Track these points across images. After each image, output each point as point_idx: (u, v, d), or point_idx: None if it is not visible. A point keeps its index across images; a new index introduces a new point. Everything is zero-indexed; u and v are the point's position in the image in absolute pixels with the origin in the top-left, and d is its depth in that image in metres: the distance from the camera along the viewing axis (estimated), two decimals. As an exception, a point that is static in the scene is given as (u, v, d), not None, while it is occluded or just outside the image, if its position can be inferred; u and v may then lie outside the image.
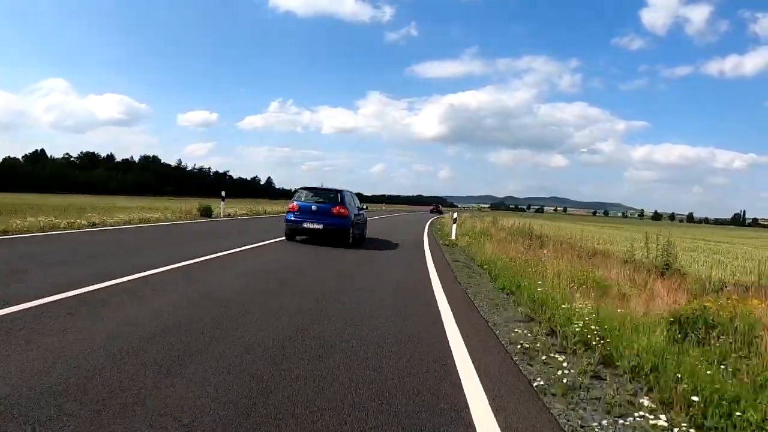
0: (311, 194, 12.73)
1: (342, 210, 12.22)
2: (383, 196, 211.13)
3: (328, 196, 12.62)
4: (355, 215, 13.11)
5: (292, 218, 12.26)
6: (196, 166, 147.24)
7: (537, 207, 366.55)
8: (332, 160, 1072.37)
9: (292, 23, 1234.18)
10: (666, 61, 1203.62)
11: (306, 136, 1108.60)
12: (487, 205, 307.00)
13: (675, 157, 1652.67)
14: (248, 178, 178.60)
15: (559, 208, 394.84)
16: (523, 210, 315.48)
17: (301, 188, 13.13)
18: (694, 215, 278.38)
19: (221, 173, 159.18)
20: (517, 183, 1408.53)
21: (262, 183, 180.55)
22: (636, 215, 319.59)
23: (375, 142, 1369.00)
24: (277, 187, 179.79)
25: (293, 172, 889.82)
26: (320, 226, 11.91)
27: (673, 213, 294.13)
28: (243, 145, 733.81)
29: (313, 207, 12.23)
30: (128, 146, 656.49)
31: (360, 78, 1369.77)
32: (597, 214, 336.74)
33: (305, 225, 12.05)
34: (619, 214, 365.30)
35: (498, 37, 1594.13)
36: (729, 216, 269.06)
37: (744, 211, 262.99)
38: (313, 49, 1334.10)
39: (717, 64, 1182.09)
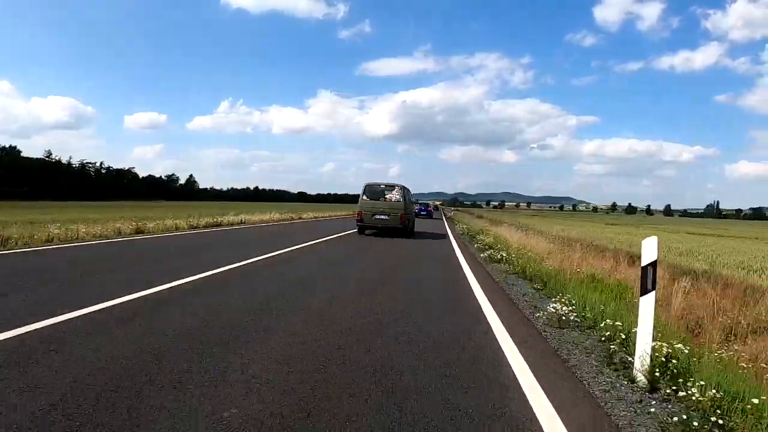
0: (421, 204, 41.36)
1: (430, 209, 44.22)
2: (328, 194, 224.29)
3: (426, 204, 45.20)
4: (434, 209, 50.10)
5: (416, 211, 29.72)
6: (72, 160, 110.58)
7: (496, 203, 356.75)
8: (283, 161, 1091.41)
9: (244, 21, 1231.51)
10: (618, 56, 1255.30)
11: (256, 136, 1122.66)
12: (439, 202, 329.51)
13: (624, 151, 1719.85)
14: (163, 177, 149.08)
15: (522, 204, 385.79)
16: (480, 206, 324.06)
17: (419, 202, 44.56)
18: (671, 207, 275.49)
19: (123, 170, 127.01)
20: (469, 179, 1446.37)
21: (180, 182, 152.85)
22: (607, 209, 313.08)
23: (325, 141, 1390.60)
24: (204, 187, 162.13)
25: (245, 173, 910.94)
26: (424, 213, 38.18)
27: (649, 206, 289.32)
28: (192, 147, 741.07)
29: (422, 207, 39.95)
30: (75, 150, 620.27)
31: (311, 76, 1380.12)
32: (565, 209, 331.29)
33: (420, 213, 35.61)
34: (579, 208, 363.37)
35: (452, 34, 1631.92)
36: (702, 207, 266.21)
37: (717, 201, 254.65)
38: (264, 48, 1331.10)
39: (668, 59, 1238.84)
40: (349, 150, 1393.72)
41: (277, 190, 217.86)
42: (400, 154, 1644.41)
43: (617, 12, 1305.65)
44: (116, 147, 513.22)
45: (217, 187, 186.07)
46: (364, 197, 15.51)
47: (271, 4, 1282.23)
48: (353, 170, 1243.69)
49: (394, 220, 15.05)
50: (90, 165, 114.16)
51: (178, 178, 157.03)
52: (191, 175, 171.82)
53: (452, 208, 75.48)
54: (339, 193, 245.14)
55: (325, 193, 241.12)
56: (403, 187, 15.72)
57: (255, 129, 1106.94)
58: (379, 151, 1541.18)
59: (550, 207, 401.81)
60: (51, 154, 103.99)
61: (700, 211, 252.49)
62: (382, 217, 15.13)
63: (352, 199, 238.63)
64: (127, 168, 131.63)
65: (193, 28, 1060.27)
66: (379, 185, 15.76)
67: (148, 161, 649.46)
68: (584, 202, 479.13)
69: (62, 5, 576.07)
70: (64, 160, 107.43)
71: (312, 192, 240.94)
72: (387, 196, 15.38)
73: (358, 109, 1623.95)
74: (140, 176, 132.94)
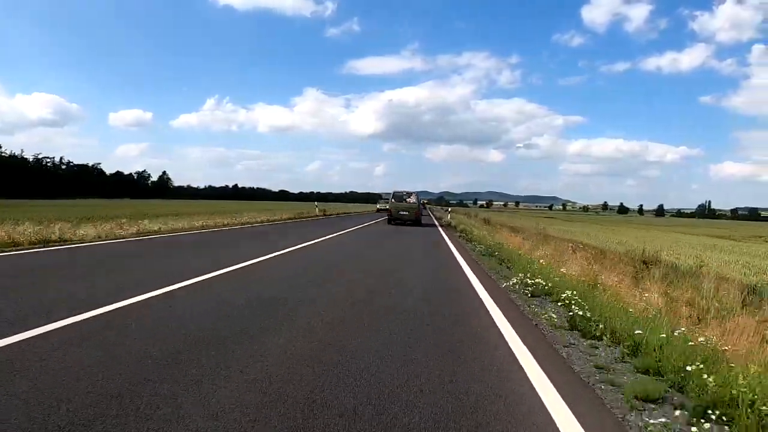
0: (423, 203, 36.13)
1: (422, 208, 29.62)
2: (311, 193, 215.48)
3: (421, 206, 30.19)
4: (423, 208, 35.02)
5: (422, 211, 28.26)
6: (23, 153, 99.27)
7: (483, 202, 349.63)
8: (268, 159, 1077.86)
9: (231, 18, 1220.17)
10: (605, 57, 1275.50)
11: (241, 134, 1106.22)
12: (425, 200, 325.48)
13: (610, 151, 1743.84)
14: (133, 174, 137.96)
15: (510, 204, 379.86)
16: (467, 205, 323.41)
17: (424, 200, 46.82)
18: (664, 207, 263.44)
19: (87, 167, 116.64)
20: (454, 178, 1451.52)
21: (153, 179, 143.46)
22: (595, 209, 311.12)
23: (311, 139, 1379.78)
24: (180, 184, 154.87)
25: (230, 171, 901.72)
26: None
27: (641, 206, 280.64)
28: (177, 145, 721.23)
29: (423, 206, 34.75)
30: (59, 148, 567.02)
31: (298, 74, 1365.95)
32: (554, 208, 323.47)
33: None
34: (567, 207, 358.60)
35: (440, 33, 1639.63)
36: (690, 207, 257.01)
37: (709, 201, 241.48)
38: (251, 45, 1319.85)
39: (655, 60, 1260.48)
40: (335, 149, 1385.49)
41: (257, 188, 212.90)
42: (386, 152, 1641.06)
43: (605, 13, 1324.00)
44: (100, 145, 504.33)
45: (194, 185, 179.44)
46: (393, 200, 22.86)
47: (258, 2, 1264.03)
48: (338, 169, 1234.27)
49: (411, 215, 21.98)
50: (48, 160, 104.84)
51: (149, 175, 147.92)
52: (164, 172, 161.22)
53: (449, 209, 54.29)
54: (322, 192, 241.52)
55: (308, 191, 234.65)
56: (417, 193, 23.50)
57: (240, 127, 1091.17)
58: (364, 150, 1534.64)
59: (537, 206, 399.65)
60: (0, 147, 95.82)
61: (690, 211, 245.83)
62: (404, 213, 21.97)
63: (335, 198, 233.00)
64: (92, 164, 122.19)
65: (179, 26, 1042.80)
66: (402, 193, 22.89)
67: (131, 159, 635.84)
68: (570, 201, 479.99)
69: (47, 1, 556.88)
70: (17, 155, 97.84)
71: (294, 190, 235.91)
72: (407, 200, 22.60)
73: (345, 107, 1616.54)
74: (107, 173, 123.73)
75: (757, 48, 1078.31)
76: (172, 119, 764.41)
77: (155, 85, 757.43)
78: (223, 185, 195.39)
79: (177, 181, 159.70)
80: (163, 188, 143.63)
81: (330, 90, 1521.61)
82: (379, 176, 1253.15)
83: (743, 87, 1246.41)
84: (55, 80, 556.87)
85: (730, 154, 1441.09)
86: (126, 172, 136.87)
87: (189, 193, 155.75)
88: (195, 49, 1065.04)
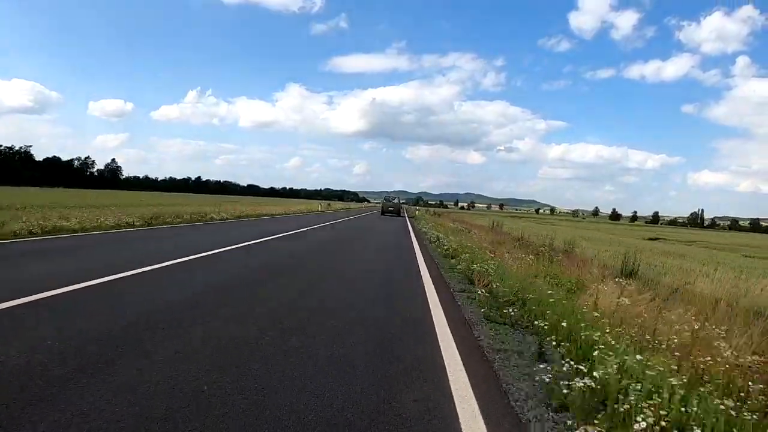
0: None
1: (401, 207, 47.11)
2: (283, 188, 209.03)
3: (401, 205, 47.76)
4: (403, 206, 51.37)
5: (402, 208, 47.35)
6: None
7: (464, 204, 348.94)
8: (248, 154, 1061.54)
9: (217, 10, 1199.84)
10: (590, 63, 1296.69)
11: (222, 128, 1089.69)
12: (403, 201, 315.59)
13: (591, 156, 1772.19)
14: (74, 160, 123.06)
15: (494, 206, 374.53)
16: (446, 206, 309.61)
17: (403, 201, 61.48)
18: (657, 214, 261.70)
19: (10, 149, 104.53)
20: (433, 179, 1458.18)
21: (99, 168, 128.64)
22: (583, 215, 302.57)
23: (292, 136, 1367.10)
24: (134, 174, 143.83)
25: (207, 165, 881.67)
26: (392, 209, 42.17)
27: (635, 212, 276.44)
28: (157, 137, 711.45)
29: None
30: (36, 137, 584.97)
31: (281, 69, 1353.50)
32: (540, 212, 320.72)
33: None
34: (545, 210, 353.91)
35: (427, 33, 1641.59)
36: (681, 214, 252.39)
37: (702, 209, 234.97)
38: (236, 38, 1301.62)
39: (639, 68, 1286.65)
40: (316, 145, 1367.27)
41: (224, 182, 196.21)
42: (366, 151, 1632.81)
43: (593, 19, 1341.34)
44: (78, 133, 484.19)
45: (152, 176, 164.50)
46: (384, 201, 42.74)
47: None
48: (317, 166, 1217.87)
49: (395, 210, 39.18)
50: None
51: (93, 162, 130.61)
52: (113, 160, 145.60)
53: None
54: (296, 188, 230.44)
55: (280, 187, 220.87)
56: (399, 197, 52.94)
57: (222, 121, 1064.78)
58: (345, 147, 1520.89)
59: (516, 209, 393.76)
60: None
61: (681, 219, 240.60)
62: (391, 208, 39.14)
63: (308, 194, 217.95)
64: (20, 148, 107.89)
65: (166, 17, 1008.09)
66: (390, 195, 45.43)
67: (110, 150, 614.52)
68: (548, 205, 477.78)
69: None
70: None
71: (266, 186, 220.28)
72: (392, 200, 42.10)
73: (327, 104, 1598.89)
74: (37, 158, 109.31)
75: (742, 60, 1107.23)
76: (152, 110, 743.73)
77: (139, 75, 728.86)
78: (185, 177, 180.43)
79: (154, 173, 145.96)
80: (112, 178, 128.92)
81: (313, 86, 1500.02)
82: (358, 174, 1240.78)
83: (725, 98, 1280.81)
84: (36, 67, 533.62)
85: (708, 163, 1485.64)
86: (64, 158, 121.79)
87: (143, 184, 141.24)
88: (181, 41, 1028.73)
